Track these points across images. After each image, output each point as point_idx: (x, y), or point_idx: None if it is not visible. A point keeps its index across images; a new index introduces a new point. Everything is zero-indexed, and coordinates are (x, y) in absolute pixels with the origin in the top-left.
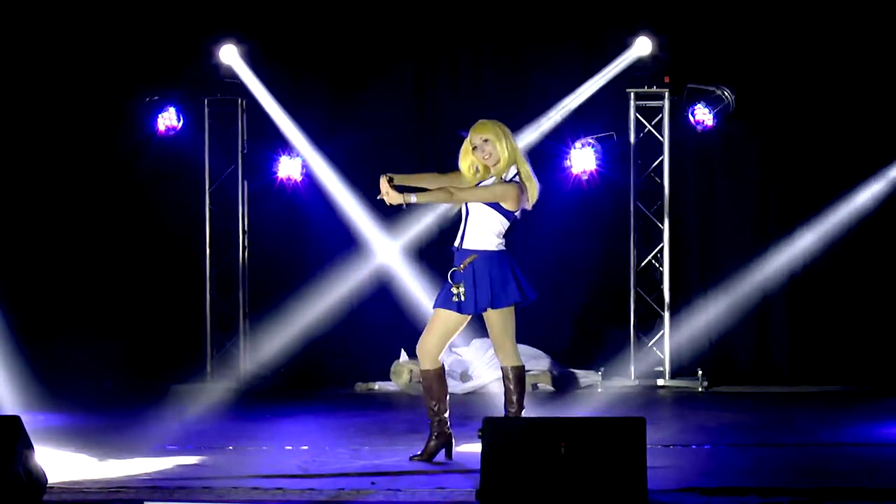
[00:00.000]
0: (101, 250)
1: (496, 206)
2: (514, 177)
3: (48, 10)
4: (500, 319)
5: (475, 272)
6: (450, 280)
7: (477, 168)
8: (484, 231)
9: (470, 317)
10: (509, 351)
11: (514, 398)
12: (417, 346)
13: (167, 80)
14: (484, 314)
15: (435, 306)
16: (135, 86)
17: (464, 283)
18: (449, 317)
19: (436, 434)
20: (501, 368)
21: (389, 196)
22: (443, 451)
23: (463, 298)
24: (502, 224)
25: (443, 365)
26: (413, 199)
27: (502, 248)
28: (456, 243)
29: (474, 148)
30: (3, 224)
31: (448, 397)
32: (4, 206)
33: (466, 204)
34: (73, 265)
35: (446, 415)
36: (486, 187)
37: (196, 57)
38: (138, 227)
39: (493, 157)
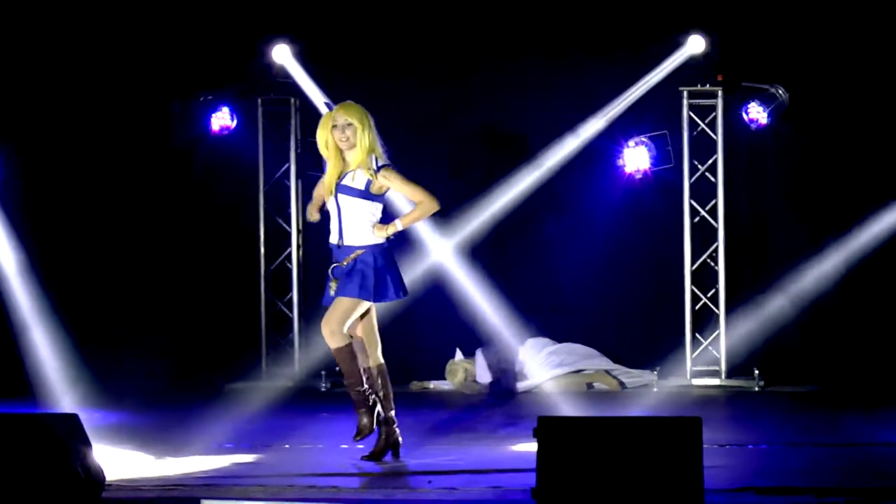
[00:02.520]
0: (157, 249)
1: (368, 196)
2: (382, 165)
3: (111, 11)
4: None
5: (354, 265)
6: (330, 275)
7: (327, 145)
8: (364, 224)
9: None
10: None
11: (384, 395)
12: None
13: (221, 79)
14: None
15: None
16: (189, 86)
17: (342, 277)
18: (340, 301)
19: (362, 410)
20: (367, 370)
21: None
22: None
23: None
24: (378, 211)
25: (350, 341)
26: (399, 226)
27: (383, 241)
28: (334, 240)
29: (334, 126)
30: (60, 224)
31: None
32: (60, 205)
33: (337, 199)
34: (128, 265)
35: (365, 388)
36: (408, 181)
37: (249, 57)
38: (193, 226)
39: (350, 142)
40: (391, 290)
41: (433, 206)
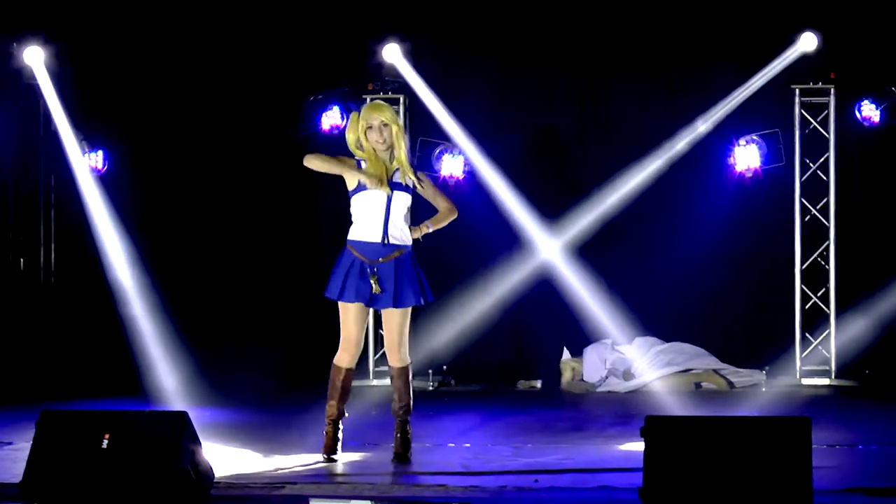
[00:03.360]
0: (266, 250)
1: (413, 194)
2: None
3: (225, 14)
4: (404, 317)
5: (398, 267)
6: (369, 271)
7: (360, 146)
8: (405, 223)
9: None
10: (406, 351)
11: (400, 397)
12: (353, 348)
13: (333, 79)
14: (387, 311)
15: (345, 300)
16: (303, 86)
17: (380, 279)
18: (363, 311)
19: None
20: (389, 369)
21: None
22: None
23: (379, 292)
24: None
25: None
26: (430, 227)
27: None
28: (377, 238)
29: (369, 127)
30: (171, 221)
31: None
32: (171, 203)
33: (391, 196)
34: (240, 264)
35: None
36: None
37: (360, 56)
38: (303, 227)
39: (387, 142)
40: (430, 289)
41: (455, 213)
